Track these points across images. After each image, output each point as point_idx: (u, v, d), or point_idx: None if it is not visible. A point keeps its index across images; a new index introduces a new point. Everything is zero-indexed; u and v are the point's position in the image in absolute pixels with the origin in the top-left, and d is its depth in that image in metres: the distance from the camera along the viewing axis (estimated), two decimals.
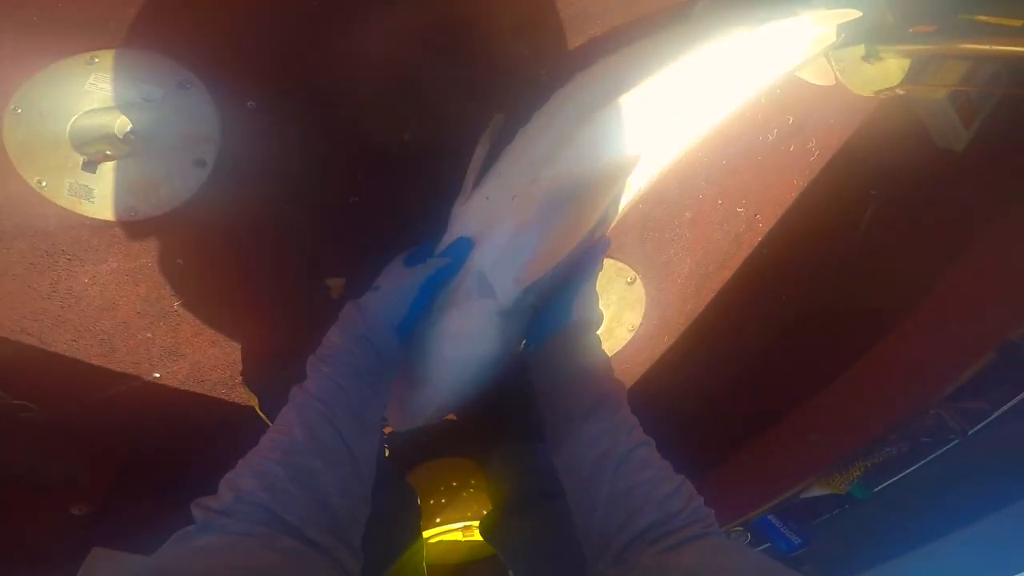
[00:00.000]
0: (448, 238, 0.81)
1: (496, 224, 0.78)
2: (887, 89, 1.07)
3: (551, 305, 0.80)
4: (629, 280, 1.17)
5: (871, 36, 1.03)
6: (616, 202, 0.84)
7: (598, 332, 0.80)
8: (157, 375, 1.12)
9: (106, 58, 0.83)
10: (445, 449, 1.34)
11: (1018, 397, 1.06)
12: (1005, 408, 1.07)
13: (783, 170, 1.15)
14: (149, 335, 1.07)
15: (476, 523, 1.20)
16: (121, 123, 0.85)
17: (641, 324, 1.23)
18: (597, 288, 0.82)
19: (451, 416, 1.25)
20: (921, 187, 1.15)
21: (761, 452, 1.24)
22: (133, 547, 1.13)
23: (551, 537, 0.82)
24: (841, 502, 1.26)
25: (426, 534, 1.19)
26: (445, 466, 1.32)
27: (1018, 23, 0.82)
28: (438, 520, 1.21)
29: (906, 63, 1.04)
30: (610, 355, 1.27)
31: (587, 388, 0.71)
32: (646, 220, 1.13)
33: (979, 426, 1.10)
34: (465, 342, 0.79)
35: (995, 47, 0.84)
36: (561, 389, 0.73)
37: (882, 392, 1.15)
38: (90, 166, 0.84)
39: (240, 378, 1.16)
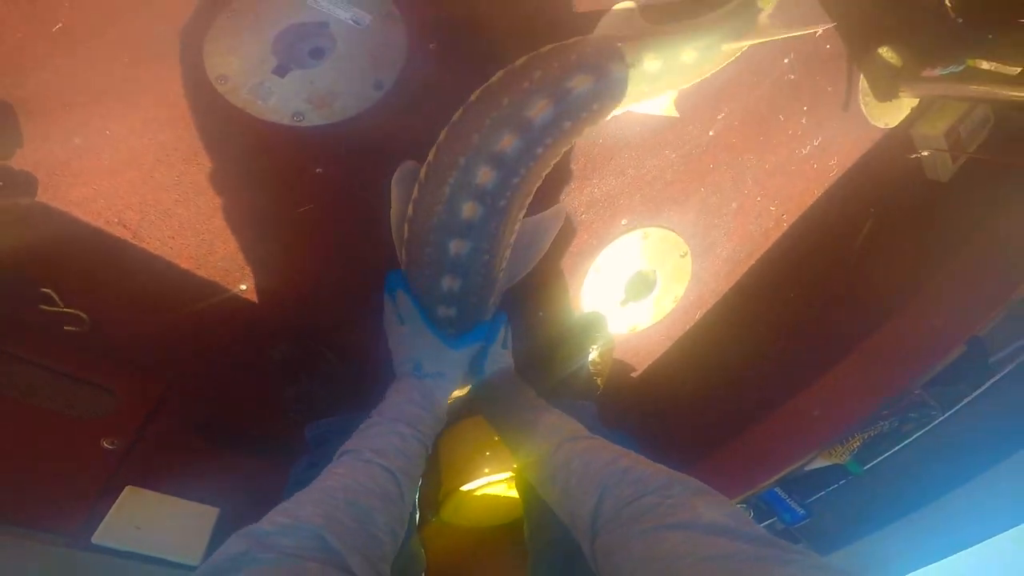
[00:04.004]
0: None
1: None
2: (897, 123, 1.33)
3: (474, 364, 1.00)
4: (681, 254, 1.34)
5: (892, 77, 1.29)
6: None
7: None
8: (244, 287, 1.12)
9: None
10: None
11: (987, 383, 1.30)
12: (978, 392, 1.31)
13: (808, 181, 1.39)
14: (255, 240, 1.08)
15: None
16: (326, 38, 0.93)
17: (683, 296, 1.39)
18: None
19: None
20: (911, 210, 1.42)
21: (773, 427, 1.41)
22: (161, 486, 1.13)
23: None
24: (838, 476, 1.43)
25: (475, 485, 1.23)
26: (484, 423, 1.37)
27: (1016, 70, 1.09)
28: (486, 471, 1.24)
29: (915, 101, 1.31)
30: (654, 323, 1.41)
31: (512, 423, 0.92)
32: (704, 203, 1.32)
33: (955, 408, 1.33)
34: None
35: (992, 92, 1.10)
36: (503, 421, 0.95)
37: (876, 375, 1.36)
38: (281, 70, 0.92)
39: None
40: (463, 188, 0.88)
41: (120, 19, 0.91)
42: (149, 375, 1.18)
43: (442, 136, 0.91)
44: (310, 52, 0.97)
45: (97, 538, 0.99)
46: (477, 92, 0.91)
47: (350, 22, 0.96)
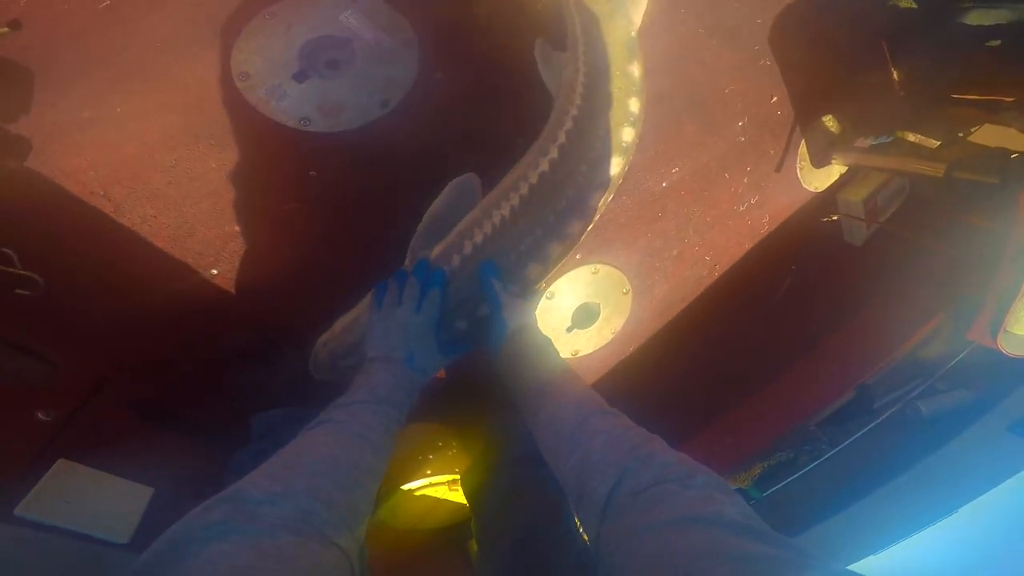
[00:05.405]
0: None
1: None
2: (825, 188, 1.53)
3: (489, 325, 1.01)
4: (624, 291, 1.47)
5: (827, 145, 1.48)
6: None
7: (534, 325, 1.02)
8: (215, 271, 1.14)
9: (368, 2, 1.01)
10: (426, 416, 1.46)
11: (871, 424, 1.51)
12: (862, 432, 1.52)
13: (742, 236, 1.56)
14: (236, 229, 1.12)
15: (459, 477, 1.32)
16: (348, 53, 1.00)
17: (620, 329, 1.52)
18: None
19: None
20: (827, 269, 1.63)
21: (691, 453, 1.55)
22: (96, 462, 1.09)
23: (525, 494, 1.00)
24: (744, 499, 1.59)
25: (416, 485, 1.29)
26: (429, 429, 1.44)
27: (936, 143, 1.28)
28: (429, 472, 1.31)
29: (844, 168, 1.51)
30: (592, 351, 1.54)
31: (538, 381, 0.88)
32: (649, 247, 1.46)
33: (843, 444, 1.53)
34: None
35: (911, 163, 1.28)
36: (521, 387, 0.91)
37: (779, 410, 1.54)
38: (301, 76, 0.99)
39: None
40: (540, 245, 0.98)
41: (165, 6, 0.95)
42: (96, 351, 1.15)
43: (534, 184, 0.97)
44: (328, 63, 1.03)
45: (21, 510, 0.93)
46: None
47: (372, 42, 1.04)
